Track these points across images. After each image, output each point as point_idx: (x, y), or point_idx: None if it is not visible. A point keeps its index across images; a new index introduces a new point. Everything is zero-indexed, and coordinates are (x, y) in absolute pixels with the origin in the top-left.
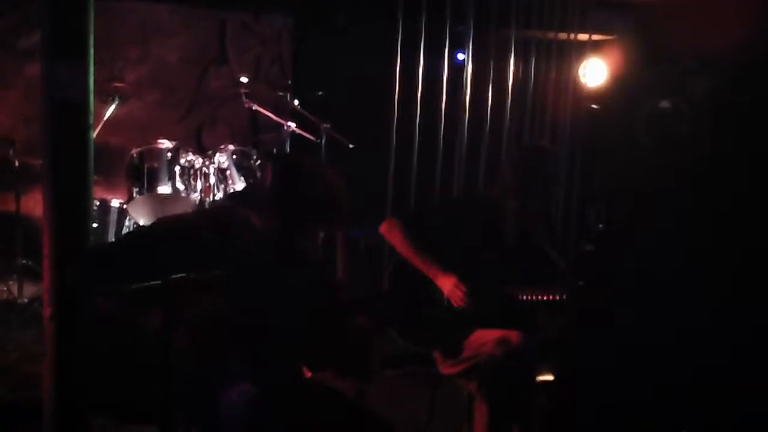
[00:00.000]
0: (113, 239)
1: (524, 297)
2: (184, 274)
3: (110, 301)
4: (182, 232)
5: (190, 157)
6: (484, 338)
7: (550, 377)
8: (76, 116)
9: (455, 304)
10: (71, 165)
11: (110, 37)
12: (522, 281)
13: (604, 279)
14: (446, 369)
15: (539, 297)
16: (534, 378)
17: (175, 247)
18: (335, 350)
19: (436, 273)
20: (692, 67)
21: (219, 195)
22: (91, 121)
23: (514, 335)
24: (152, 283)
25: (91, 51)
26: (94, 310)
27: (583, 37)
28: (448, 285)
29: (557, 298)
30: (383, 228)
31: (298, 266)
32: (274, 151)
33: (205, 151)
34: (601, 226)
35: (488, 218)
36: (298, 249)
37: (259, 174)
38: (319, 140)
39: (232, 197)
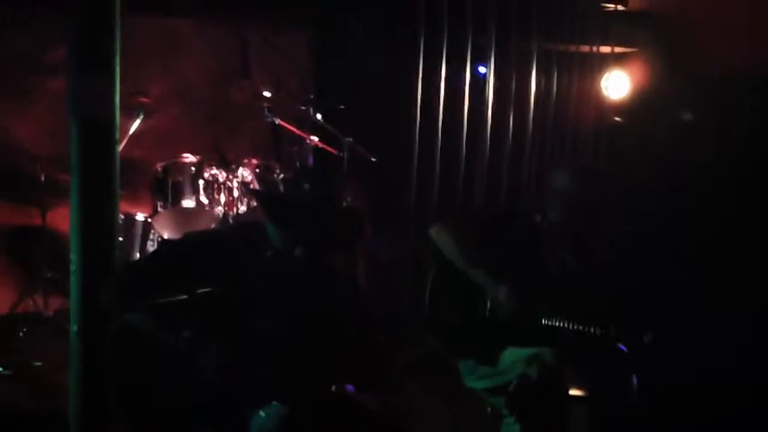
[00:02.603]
0: (138, 253)
1: (564, 325)
2: (209, 289)
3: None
4: (212, 247)
5: (214, 171)
6: (516, 355)
7: (580, 392)
8: (103, 131)
9: (508, 315)
10: (98, 180)
11: (134, 51)
12: (562, 309)
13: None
14: (473, 382)
15: (578, 328)
16: (567, 396)
17: (206, 262)
18: (359, 365)
19: (489, 281)
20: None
21: (242, 209)
22: (117, 136)
23: (547, 354)
24: (179, 297)
25: (118, 67)
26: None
27: (605, 49)
28: (504, 294)
29: (595, 332)
30: (433, 231)
31: (325, 284)
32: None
33: (229, 164)
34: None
35: (527, 240)
36: (324, 268)
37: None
38: (341, 154)
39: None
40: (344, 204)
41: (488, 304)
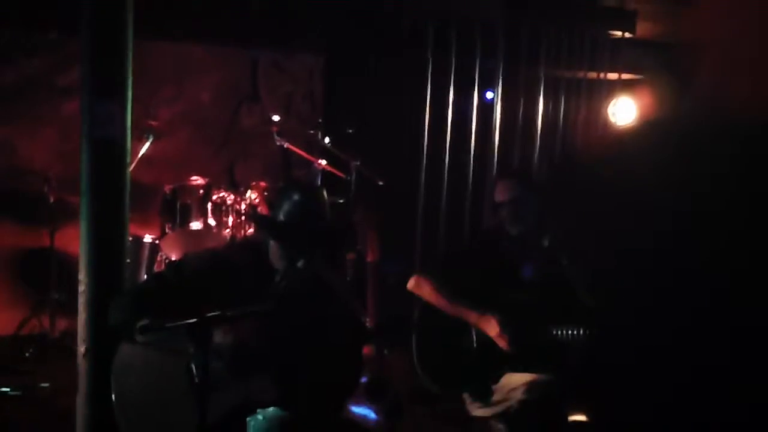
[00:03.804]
0: (146, 275)
1: (555, 333)
2: (218, 312)
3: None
4: (215, 267)
5: (222, 193)
6: (514, 383)
7: (583, 417)
8: (114, 154)
9: (504, 347)
10: (108, 202)
11: (145, 75)
12: (548, 317)
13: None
14: (476, 411)
15: (568, 332)
16: (566, 421)
17: (209, 281)
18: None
19: (477, 318)
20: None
21: (250, 231)
22: (129, 159)
23: (544, 380)
24: (188, 321)
25: (130, 90)
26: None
27: (612, 76)
28: (494, 329)
29: (585, 332)
30: (411, 285)
31: (324, 301)
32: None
33: (237, 187)
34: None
35: (499, 255)
36: (323, 284)
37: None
38: (349, 177)
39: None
40: (335, 216)
41: (475, 337)
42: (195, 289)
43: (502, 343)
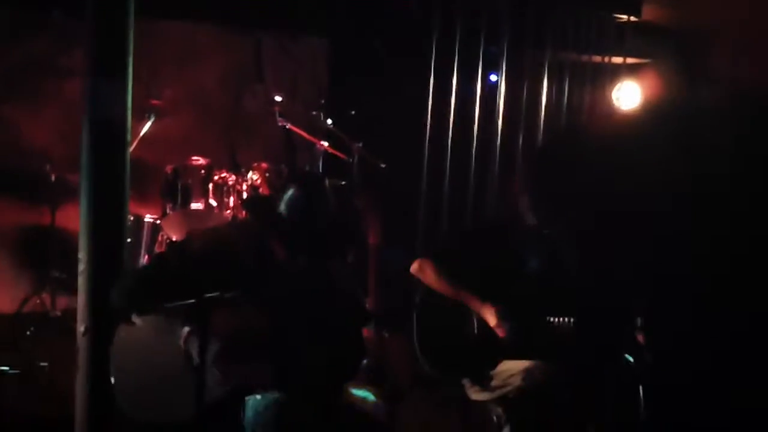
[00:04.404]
0: (146, 254)
1: (554, 321)
2: (217, 293)
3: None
4: (216, 248)
5: (224, 174)
6: (513, 368)
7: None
8: (115, 133)
9: (501, 335)
10: (108, 181)
11: (148, 55)
12: (552, 307)
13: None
14: (474, 395)
15: (568, 320)
16: (563, 408)
17: (210, 263)
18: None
19: (478, 305)
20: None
21: None
22: (129, 138)
23: (541, 366)
24: (187, 302)
25: (131, 70)
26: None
27: (617, 60)
28: (493, 318)
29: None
30: (414, 268)
31: (327, 290)
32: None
33: (239, 168)
34: None
35: (506, 244)
36: (327, 274)
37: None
38: (351, 160)
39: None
40: (338, 211)
41: (476, 323)
42: (196, 270)
43: (500, 333)
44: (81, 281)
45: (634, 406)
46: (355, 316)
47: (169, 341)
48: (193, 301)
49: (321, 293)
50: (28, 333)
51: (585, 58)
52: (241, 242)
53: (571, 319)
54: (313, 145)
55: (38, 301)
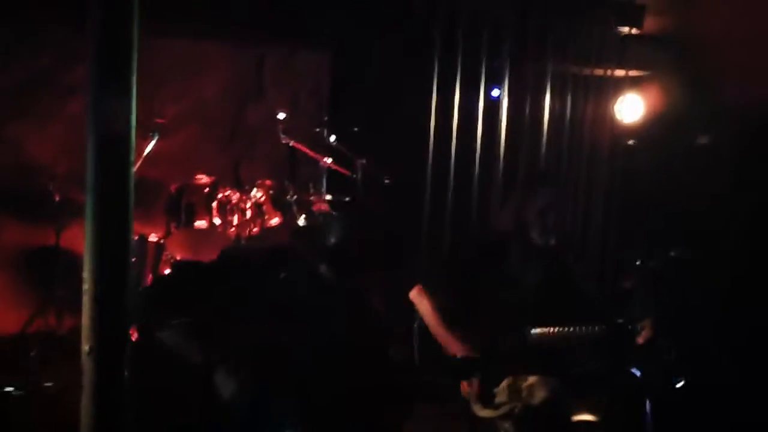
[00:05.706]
0: (151, 274)
1: (554, 331)
2: (230, 310)
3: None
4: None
5: (228, 192)
6: (517, 385)
7: (590, 417)
8: (119, 151)
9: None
10: (113, 200)
11: (150, 72)
12: (554, 319)
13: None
14: (480, 412)
15: (571, 329)
16: (570, 422)
17: (240, 281)
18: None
19: (456, 348)
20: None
21: (255, 230)
22: (133, 157)
23: (548, 382)
24: (186, 319)
25: (134, 87)
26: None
27: (620, 72)
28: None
29: (590, 330)
30: (413, 294)
31: (352, 309)
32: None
33: (243, 185)
34: (638, 262)
35: (507, 259)
36: (352, 292)
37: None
38: (354, 175)
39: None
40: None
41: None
42: (210, 289)
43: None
44: (85, 300)
45: (642, 420)
46: (374, 335)
47: (186, 355)
48: (200, 318)
49: (337, 311)
50: (32, 353)
51: (587, 71)
52: (266, 264)
53: (576, 331)
54: (317, 161)
55: (43, 321)
